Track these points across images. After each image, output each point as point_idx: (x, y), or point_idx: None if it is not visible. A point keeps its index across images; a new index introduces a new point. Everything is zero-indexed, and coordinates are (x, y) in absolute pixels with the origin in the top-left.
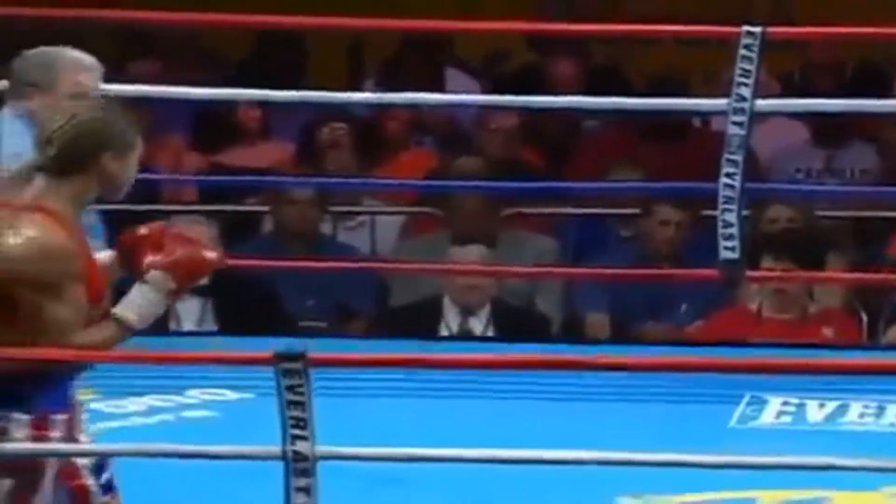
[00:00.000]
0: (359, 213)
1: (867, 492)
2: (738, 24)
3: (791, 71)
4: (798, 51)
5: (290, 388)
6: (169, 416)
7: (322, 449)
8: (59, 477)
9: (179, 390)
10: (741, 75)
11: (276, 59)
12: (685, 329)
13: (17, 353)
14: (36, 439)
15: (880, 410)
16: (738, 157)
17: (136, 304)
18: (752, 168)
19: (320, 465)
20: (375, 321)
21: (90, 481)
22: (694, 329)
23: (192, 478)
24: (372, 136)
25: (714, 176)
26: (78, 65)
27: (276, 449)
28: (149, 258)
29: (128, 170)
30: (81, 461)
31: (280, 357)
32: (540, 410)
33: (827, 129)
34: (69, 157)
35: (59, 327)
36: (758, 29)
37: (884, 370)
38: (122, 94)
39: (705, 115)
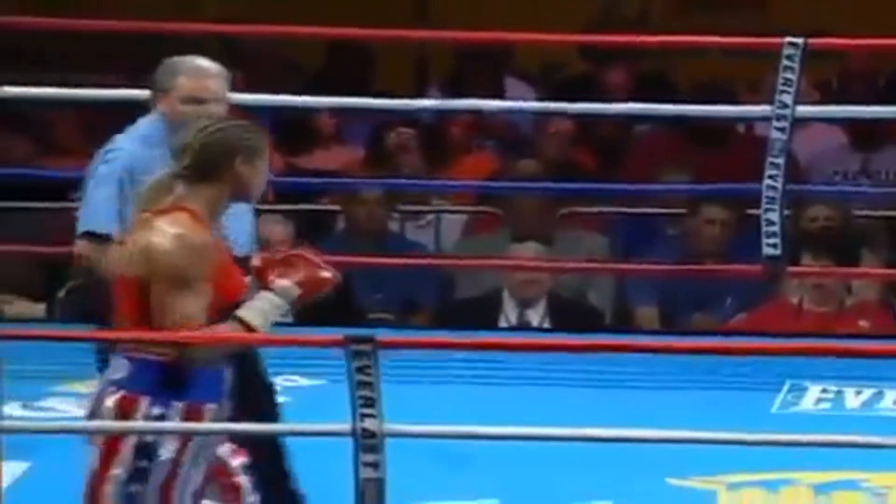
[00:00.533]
0: (425, 213)
1: None
2: (781, 36)
3: (829, 79)
4: (835, 61)
5: (360, 370)
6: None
7: (389, 426)
8: (212, 474)
9: None
10: (783, 84)
11: (347, 70)
12: (730, 322)
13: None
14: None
15: None
16: (780, 160)
17: (260, 309)
18: (793, 170)
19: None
20: (439, 314)
21: (242, 478)
22: (738, 321)
23: None
24: (437, 139)
25: (757, 178)
26: (197, 71)
27: (346, 426)
28: (277, 272)
29: (258, 174)
30: (233, 461)
31: (351, 340)
32: (594, 397)
33: (862, 134)
34: (204, 165)
35: (185, 320)
36: (800, 40)
37: None
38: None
39: (749, 121)
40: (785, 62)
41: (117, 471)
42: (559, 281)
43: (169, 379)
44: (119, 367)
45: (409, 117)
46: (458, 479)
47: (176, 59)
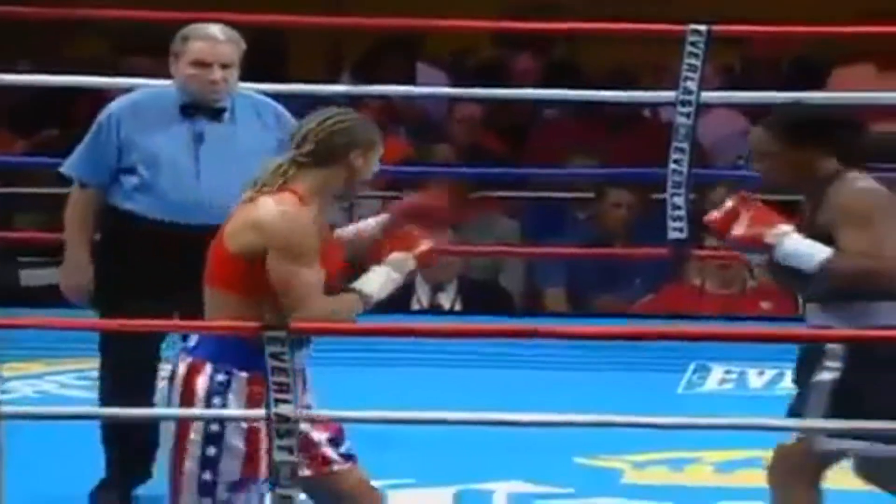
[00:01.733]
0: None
1: None
2: (685, 23)
3: (732, 65)
4: (739, 46)
5: (274, 356)
6: (164, 384)
7: (304, 412)
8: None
9: None
10: (688, 70)
11: (260, 56)
12: (636, 303)
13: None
14: (250, 397)
15: None
16: (685, 145)
17: (378, 281)
18: (698, 155)
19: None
20: None
21: (329, 450)
22: (644, 303)
23: None
24: None
25: (663, 162)
26: (205, 36)
27: (261, 411)
28: (391, 247)
29: (370, 167)
30: (318, 435)
31: (264, 327)
32: (504, 378)
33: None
34: (324, 152)
35: (306, 290)
36: (703, 27)
37: (817, 339)
38: (117, 86)
39: (655, 107)
40: (689, 48)
41: (194, 436)
42: (471, 264)
43: (236, 348)
44: (194, 336)
45: (321, 103)
46: (374, 461)
47: (191, 25)
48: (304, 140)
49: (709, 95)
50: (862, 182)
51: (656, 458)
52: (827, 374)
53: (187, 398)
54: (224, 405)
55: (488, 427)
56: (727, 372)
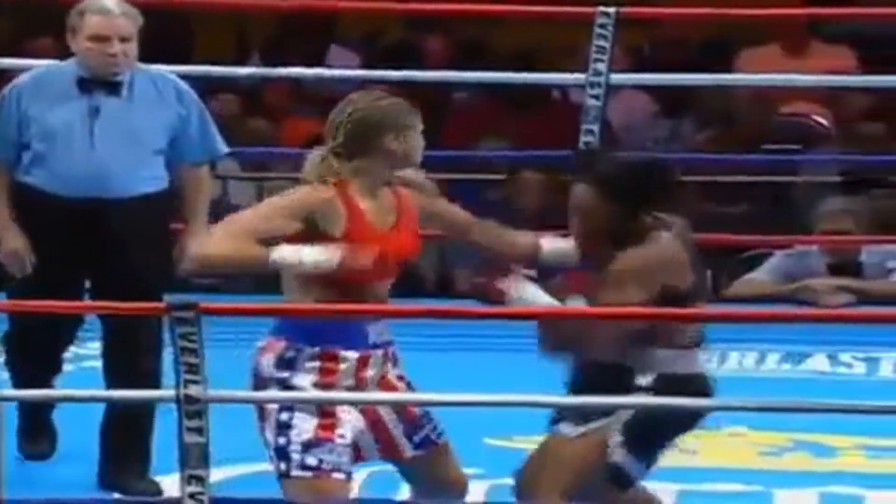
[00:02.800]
0: (252, 179)
1: (711, 431)
2: (594, 5)
3: (641, 46)
4: (647, 28)
5: (184, 336)
6: (70, 367)
7: (213, 392)
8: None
9: (80, 342)
10: (597, 51)
11: (166, 36)
12: (548, 284)
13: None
14: (321, 371)
15: (723, 357)
16: (595, 127)
17: (288, 251)
18: (607, 137)
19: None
20: (263, 278)
21: (396, 432)
22: (555, 284)
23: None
24: (258, 106)
25: (573, 144)
26: (101, 9)
27: (170, 392)
28: None
29: (410, 148)
30: (387, 415)
31: (173, 307)
32: (412, 360)
33: (671, 101)
34: (354, 143)
35: (230, 221)
36: (611, 9)
37: (727, 318)
38: (20, 67)
39: (565, 88)
40: (598, 30)
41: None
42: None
43: (304, 325)
44: None
45: (230, 84)
46: None
47: (86, 1)
48: (336, 131)
49: (618, 77)
50: (651, 243)
51: None
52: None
53: (257, 375)
54: (291, 378)
55: None
56: None
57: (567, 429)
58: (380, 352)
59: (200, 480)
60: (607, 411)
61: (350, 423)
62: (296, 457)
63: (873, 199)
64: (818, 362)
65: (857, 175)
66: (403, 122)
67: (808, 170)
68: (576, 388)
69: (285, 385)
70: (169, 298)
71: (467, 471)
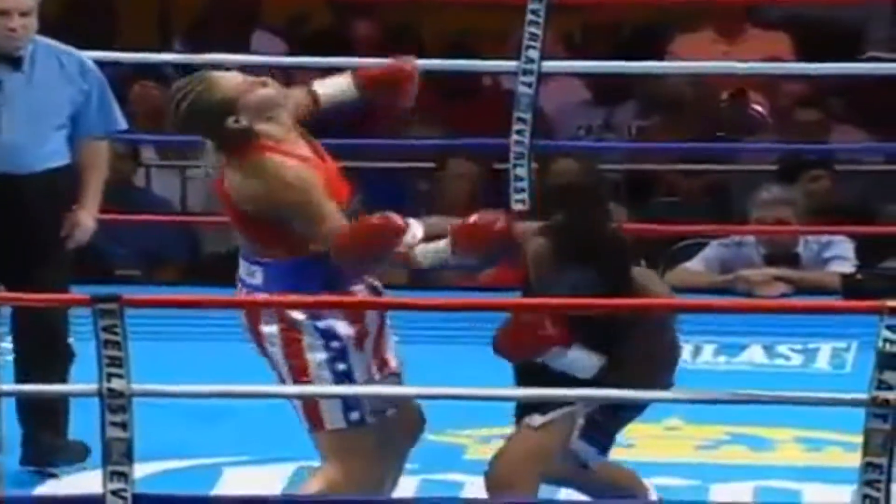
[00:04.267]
0: (174, 167)
1: (650, 423)
2: None
3: (572, 32)
4: (579, 14)
5: (106, 329)
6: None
7: (137, 386)
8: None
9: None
10: (529, 38)
11: (87, 22)
12: (478, 276)
13: None
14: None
15: None
16: (527, 115)
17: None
18: (540, 125)
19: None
20: (187, 269)
21: None
22: (485, 276)
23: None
24: None
25: (505, 132)
26: None
27: (92, 387)
28: None
29: (258, 103)
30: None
31: (96, 299)
32: None
33: (604, 89)
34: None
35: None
36: None
37: (662, 308)
38: None
39: (496, 75)
40: (530, 16)
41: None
42: None
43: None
44: (253, 272)
45: (152, 71)
46: (207, 438)
47: None
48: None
49: (550, 64)
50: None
51: (501, 433)
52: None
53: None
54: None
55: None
56: None
57: (534, 419)
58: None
59: (123, 476)
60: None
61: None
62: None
63: (811, 181)
64: (755, 354)
65: (794, 163)
66: (227, 96)
67: (745, 158)
68: (530, 376)
69: (324, 333)
70: (93, 290)
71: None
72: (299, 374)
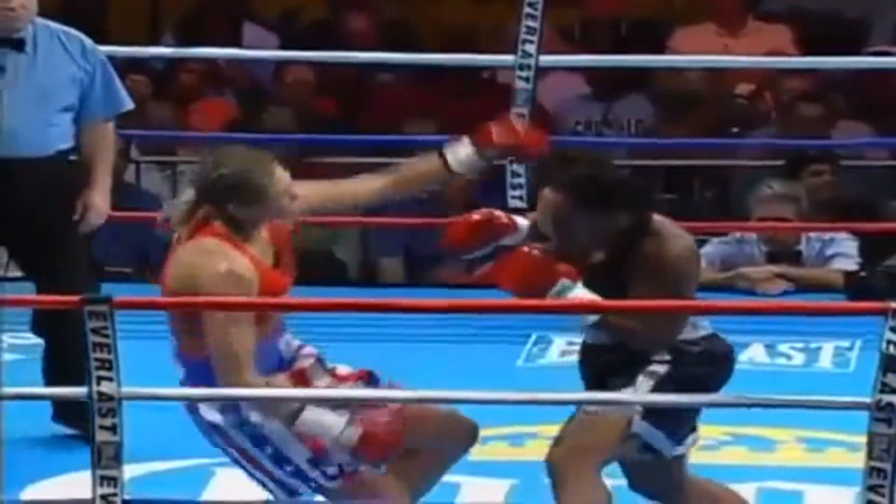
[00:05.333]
0: (167, 163)
1: None
2: None
3: (572, 27)
4: (578, 9)
5: (96, 331)
6: None
7: (126, 390)
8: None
9: None
10: (526, 32)
11: (79, 16)
12: (475, 273)
13: None
14: None
15: None
16: (525, 110)
17: None
18: (538, 120)
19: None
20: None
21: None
22: (483, 272)
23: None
24: (170, 88)
25: None
26: None
27: (82, 389)
28: None
29: (259, 213)
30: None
31: (86, 301)
32: (337, 352)
33: (603, 84)
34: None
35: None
36: None
37: (662, 308)
38: None
39: (494, 69)
40: (527, 10)
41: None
42: (304, 233)
43: None
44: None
45: (142, 65)
46: (192, 441)
47: None
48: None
49: (548, 59)
50: (665, 235)
51: (496, 434)
52: (658, 367)
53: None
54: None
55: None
56: (569, 343)
57: (591, 406)
58: (306, 362)
59: (113, 481)
60: (628, 383)
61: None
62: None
63: (812, 177)
64: (756, 353)
65: (796, 159)
66: (251, 187)
67: (746, 154)
68: (594, 368)
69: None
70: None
71: None
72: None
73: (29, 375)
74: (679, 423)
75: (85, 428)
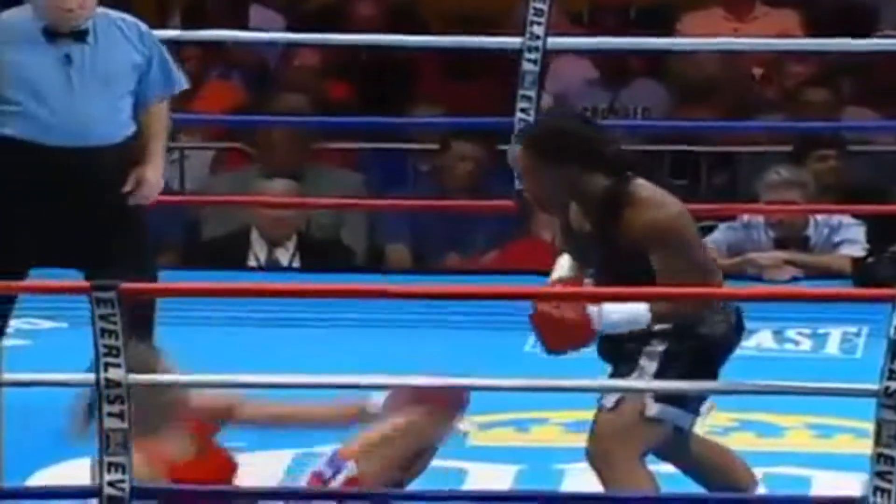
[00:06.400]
0: (170, 149)
1: None
2: None
3: (580, 11)
4: None
5: (104, 318)
6: None
7: (134, 376)
8: None
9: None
10: (534, 14)
11: None
12: (482, 259)
13: None
14: None
15: None
16: (532, 93)
17: None
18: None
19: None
20: (186, 253)
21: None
22: (490, 258)
23: (9, 407)
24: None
25: (510, 110)
26: None
27: (89, 376)
28: None
29: None
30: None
31: (94, 287)
32: (344, 338)
33: (611, 69)
34: None
35: None
36: None
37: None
38: None
39: (501, 53)
40: None
41: None
42: (312, 220)
43: None
44: None
45: None
46: None
47: None
48: None
49: (556, 41)
50: (653, 200)
51: (502, 419)
52: (657, 345)
53: None
54: None
55: (327, 390)
56: None
57: (607, 399)
58: None
59: (121, 467)
60: (632, 367)
61: None
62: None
63: (818, 161)
64: (763, 339)
65: (803, 143)
66: None
67: (754, 139)
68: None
69: None
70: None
71: None
72: None
73: (37, 362)
74: (692, 396)
75: None
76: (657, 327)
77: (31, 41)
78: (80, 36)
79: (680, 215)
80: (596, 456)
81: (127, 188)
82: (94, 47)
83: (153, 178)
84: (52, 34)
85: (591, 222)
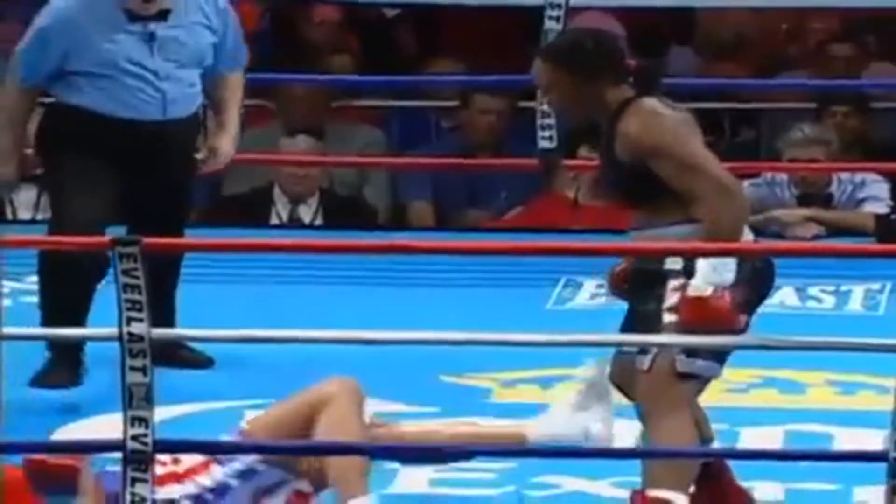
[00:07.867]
0: None
1: None
2: None
3: None
4: None
5: (126, 272)
6: (7, 302)
7: (156, 331)
8: None
9: (18, 277)
10: None
11: None
12: (505, 216)
13: None
14: None
15: None
16: None
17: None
18: None
19: None
20: (209, 211)
21: None
22: (513, 216)
23: (33, 361)
24: None
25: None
26: None
27: (113, 330)
28: None
29: None
30: None
31: (117, 242)
32: (367, 295)
33: (643, 34)
34: None
35: None
36: None
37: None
38: None
39: (523, 10)
40: None
41: None
42: (335, 177)
43: None
44: None
45: None
46: (230, 380)
47: None
48: None
49: None
50: (649, 110)
51: (525, 377)
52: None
53: None
54: None
55: (352, 345)
56: (599, 286)
57: (643, 363)
58: None
59: (144, 422)
60: (654, 326)
61: None
62: None
63: (841, 118)
64: (786, 296)
65: (826, 100)
66: None
67: (777, 95)
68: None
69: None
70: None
71: (425, 409)
72: None
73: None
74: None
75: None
76: (672, 265)
77: (114, 20)
78: (162, 15)
79: (677, 123)
80: (643, 416)
81: (200, 156)
82: (176, 24)
83: (227, 147)
84: (133, 14)
85: (605, 138)
